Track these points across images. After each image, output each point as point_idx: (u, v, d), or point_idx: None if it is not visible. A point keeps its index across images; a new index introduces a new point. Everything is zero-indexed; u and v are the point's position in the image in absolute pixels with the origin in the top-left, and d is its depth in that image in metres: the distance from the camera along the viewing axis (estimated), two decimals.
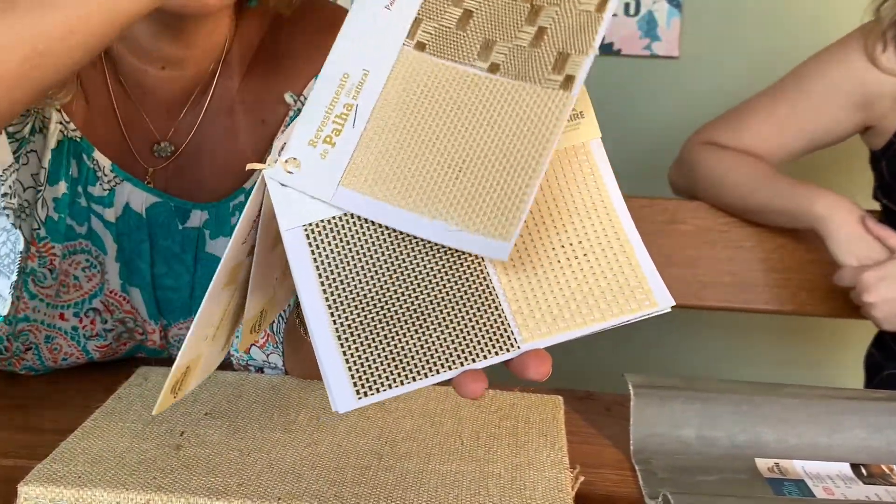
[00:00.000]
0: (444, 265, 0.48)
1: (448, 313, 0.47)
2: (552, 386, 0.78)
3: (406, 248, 0.48)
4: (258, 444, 0.65)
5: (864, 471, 0.70)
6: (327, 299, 0.46)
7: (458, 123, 0.48)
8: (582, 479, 0.64)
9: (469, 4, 0.50)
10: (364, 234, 0.48)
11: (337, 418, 0.69)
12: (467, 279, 0.48)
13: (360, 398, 0.45)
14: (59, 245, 0.77)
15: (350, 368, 0.45)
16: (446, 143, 0.47)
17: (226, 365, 0.80)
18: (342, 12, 0.84)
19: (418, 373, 0.46)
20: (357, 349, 0.46)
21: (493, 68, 0.49)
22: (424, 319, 0.47)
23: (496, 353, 0.47)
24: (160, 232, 0.80)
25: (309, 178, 0.48)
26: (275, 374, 0.78)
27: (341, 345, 0.46)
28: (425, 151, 0.47)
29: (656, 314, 0.47)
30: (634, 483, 0.67)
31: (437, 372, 0.46)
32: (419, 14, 0.50)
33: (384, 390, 0.45)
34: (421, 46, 0.50)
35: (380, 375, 0.45)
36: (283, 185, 0.48)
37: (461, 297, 0.47)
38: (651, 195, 1.26)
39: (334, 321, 0.46)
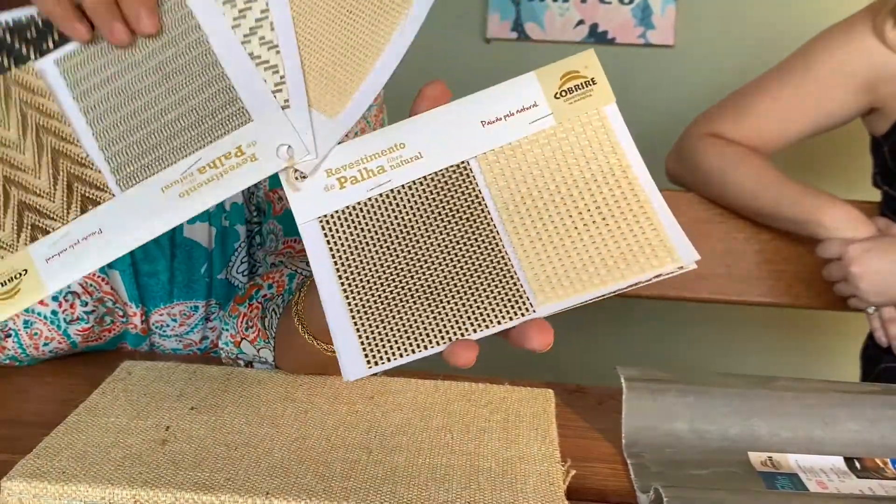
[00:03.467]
0: (458, 238, 0.49)
1: (462, 284, 0.48)
2: (543, 379, 0.78)
3: (421, 225, 0.50)
4: (245, 439, 0.64)
5: (857, 464, 0.69)
6: (342, 284, 0.49)
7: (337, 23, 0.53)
8: (573, 472, 0.64)
9: None
10: (378, 218, 0.50)
11: (325, 412, 0.69)
12: (482, 251, 0.49)
13: (370, 367, 0.47)
14: None
15: (363, 342, 0.48)
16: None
17: (213, 359, 0.79)
18: None
19: (430, 340, 0.48)
20: (370, 324, 0.48)
21: None
22: (439, 291, 0.48)
23: (510, 318, 0.48)
24: None
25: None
26: (264, 368, 0.77)
27: (354, 323, 0.48)
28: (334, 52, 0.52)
29: (682, 272, 0.48)
30: (626, 477, 0.67)
31: (451, 338, 0.48)
32: None
33: (395, 359, 0.47)
34: None
35: (392, 345, 0.47)
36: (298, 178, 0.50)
37: (475, 268, 0.49)
38: None
39: (349, 303, 0.48)
